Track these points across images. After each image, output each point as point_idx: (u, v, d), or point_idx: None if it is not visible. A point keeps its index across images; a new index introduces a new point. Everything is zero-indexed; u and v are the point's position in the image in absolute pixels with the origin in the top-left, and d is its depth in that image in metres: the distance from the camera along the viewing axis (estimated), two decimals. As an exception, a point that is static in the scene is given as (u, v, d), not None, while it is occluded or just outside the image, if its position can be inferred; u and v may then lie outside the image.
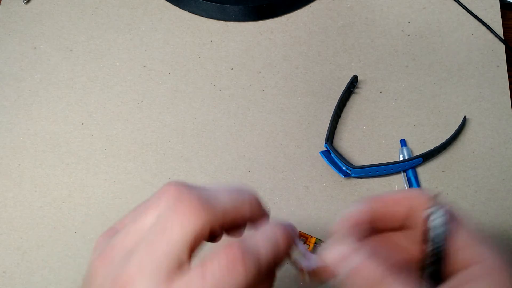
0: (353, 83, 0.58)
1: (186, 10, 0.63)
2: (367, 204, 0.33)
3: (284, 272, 0.52)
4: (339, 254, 0.30)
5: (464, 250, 0.30)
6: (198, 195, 0.27)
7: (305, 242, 0.52)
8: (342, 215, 0.33)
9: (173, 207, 0.26)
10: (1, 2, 0.64)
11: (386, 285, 0.28)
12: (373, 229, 0.33)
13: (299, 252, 0.32)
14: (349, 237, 0.31)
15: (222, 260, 0.25)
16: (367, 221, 0.32)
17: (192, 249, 0.26)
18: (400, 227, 0.33)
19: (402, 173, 0.55)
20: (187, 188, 0.27)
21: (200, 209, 0.26)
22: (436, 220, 0.29)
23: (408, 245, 0.33)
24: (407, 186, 0.54)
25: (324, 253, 0.31)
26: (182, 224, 0.26)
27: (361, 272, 0.29)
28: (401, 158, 0.55)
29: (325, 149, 0.55)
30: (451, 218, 0.30)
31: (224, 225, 0.28)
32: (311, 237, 0.52)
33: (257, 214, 0.30)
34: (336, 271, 0.30)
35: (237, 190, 0.29)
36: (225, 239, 0.30)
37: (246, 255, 0.26)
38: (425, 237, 0.30)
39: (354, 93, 0.59)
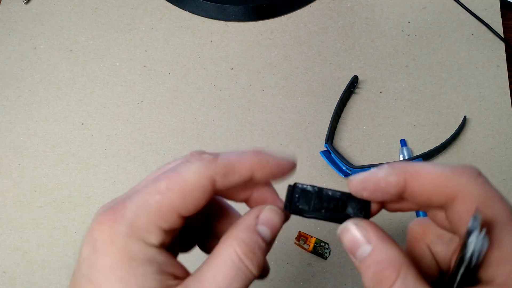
0: (353, 83, 0.58)
1: (186, 10, 0.63)
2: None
3: (284, 272, 0.52)
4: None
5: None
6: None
7: (305, 242, 0.52)
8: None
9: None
10: (1, 2, 0.64)
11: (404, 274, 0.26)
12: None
13: None
14: None
15: None
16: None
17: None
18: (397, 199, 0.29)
19: (402, 173, 0.55)
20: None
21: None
22: (476, 242, 0.25)
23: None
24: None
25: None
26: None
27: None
28: (401, 158, 0.55)
29: (325, 149, 0.55)
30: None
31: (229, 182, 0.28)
32: (311, 237, 0.52)
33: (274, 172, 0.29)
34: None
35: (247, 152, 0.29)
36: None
37: None
38: (460, 248, 0.26)
39: (354, 93, 0.59)
